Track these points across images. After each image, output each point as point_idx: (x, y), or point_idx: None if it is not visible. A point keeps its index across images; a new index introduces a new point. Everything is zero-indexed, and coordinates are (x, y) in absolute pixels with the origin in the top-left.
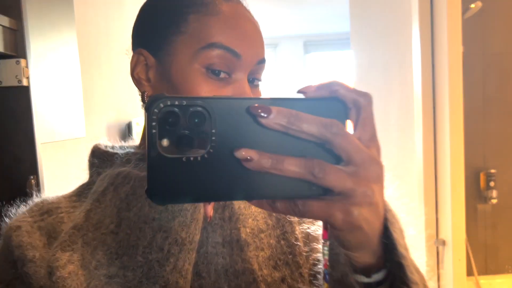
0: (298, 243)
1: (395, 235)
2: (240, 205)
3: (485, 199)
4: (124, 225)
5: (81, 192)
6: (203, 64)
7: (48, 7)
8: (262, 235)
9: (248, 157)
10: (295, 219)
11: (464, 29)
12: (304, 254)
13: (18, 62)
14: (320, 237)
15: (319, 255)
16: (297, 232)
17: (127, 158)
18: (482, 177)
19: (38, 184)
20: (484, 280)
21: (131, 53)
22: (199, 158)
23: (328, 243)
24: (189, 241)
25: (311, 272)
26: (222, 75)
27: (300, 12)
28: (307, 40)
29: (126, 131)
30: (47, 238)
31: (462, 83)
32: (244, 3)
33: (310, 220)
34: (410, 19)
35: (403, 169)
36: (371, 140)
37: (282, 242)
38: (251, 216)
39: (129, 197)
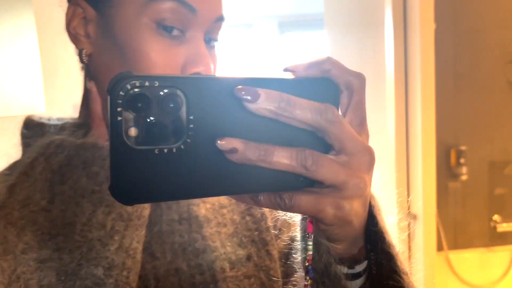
0: (265, 219)
1: (381, 223)
2: None
3: (456, 176)
4: (58, 201)
5: (13, 169)
6: (153, 18)
7: None
8: (224, 211)
9: (232, 148)
10: None
11: (436, 6)
12: (273, 231)
13: None
14: (297, 225)
15: (296, 244)
16: (264, 208)
17: (62, 126)
18: (452, 154)
19: None
20: (453, 255)
21: (65, 4)
22: (174, 150)
23: (312, 237)
24: (136, 216)
25: (282, 252)
26: (175, 32)
27: None
28: (281, 20)
29: None
30: None
31: (434, 60)
32: None
33: None
34: None
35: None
36: (361, 125)
37: (247, 218)
38: None
39: (63, 168)
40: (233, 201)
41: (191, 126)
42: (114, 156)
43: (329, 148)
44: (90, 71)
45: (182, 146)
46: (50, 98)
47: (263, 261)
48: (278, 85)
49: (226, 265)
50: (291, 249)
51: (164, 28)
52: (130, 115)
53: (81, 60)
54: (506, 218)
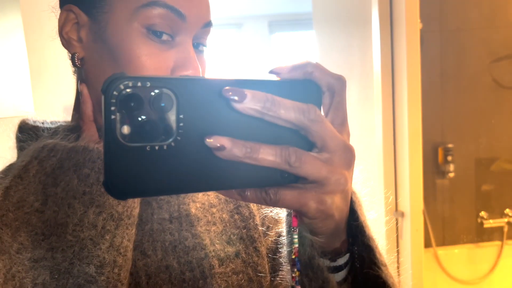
0: (253, 217)
1: (362, 217)
2: None
3: (443, 173)
4: (51, 202)
5: (7, 172)
6: (143, 24)
7: None
8: (214, 210)
9: (220, 145)
10: None
11: (422, 6)
12: (260, 229)
13: None
14: (283, 221)
15: (282, 239)
16: (251, 206)
17: (55, 130)
18: (440, 151)
19: None
20: (442, 251)
21: (58, 10)
22: (165, 147)
23: (297, 230)
24: (126, 216)
25: (269, 248)
26: (165, 37)
27: None
28: (272, 20)
29: None
30: None
31: (420, 60)
32: None
33: None
34: None
35: (363, 145)
36: (342, 125)
37: (236, 216)
38: None
39: (56, 171)
40: (223, 200)
41: (181, 124)
42: (107, 153)
43: (312, 146)
44: (82, 75)
45: (172, 144)
46: (38, 99)
47: (251, 258)
48: (264, 86)
49: (215, 262)
50: (278, 244)
51: (154, 33)
52: (123, 114)
53: (74, 64)
54: (492, 215)
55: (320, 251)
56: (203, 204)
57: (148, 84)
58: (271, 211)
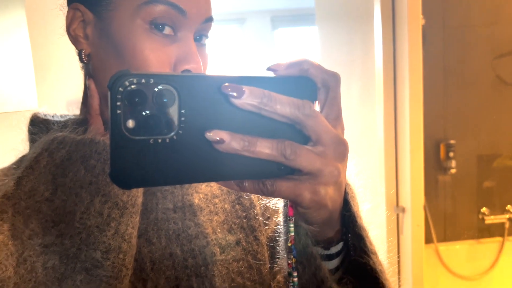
0: (253, 207)
1: (355, 208)
2: None
3: (445, 169)
4: (60, 192)
5: (20, 163)
6: (146, 20)
7: None
8: (216, 200)
9: (219, 139)
10: None
11: (424, 2)
12: (260, 218)
13: None
14: (280, 211)
15: (280, 228)
16: (252, 197)
17: (64, 123)
18: (442, 147)
19: None
20: (443, 247)
21: (65, 8)
22: (167, 140)
23: (293, 219)
24: (131, 204)
25: (269, 237)
26: (167, 30)
27: None
28: (274, 15)
29: None
30: None
31: (423, 56)
32: None
33: None
34: None
35: (365, 141)
36: (337, 119)
37: (237, 206)
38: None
39: (65, 162)
40: (225, 191)
41: (183, 119)
42: (113, 145)
43: (308, 139)
44: (89, 70)
45: (174, 137)
46: (42, 94)
47: (251, 246)
48: (261, 82)
49: (217, 250)
50: (276, 233)
51: (156, 26)
52: (128, 109)
53: (81, 60)
54: (494, 211)
55: (314, 239)
56: (206, 195)
57: (152, 80)
58: (269, 202)
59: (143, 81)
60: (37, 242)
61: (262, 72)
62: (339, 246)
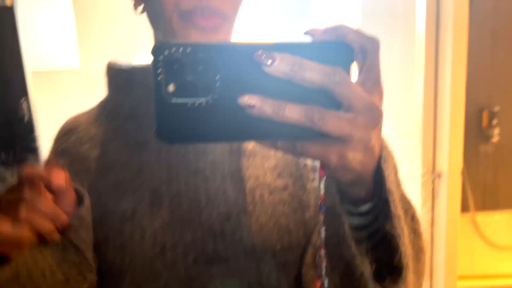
0: (304, 158)
1: (387, 172)
2: None
3: (487, 138)
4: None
5: (100, 109)
6: None
7: None
8: None
9: (251, 104)
10: None
11: None
12: (309, 169)
13: None
14: (317, 170)
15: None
16: None
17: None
18: (485, 115)
19: (29, 108)
20: (481, 216)
21: None
22: (203, 104)
23: (324, 179)
24: None
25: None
26: None
27: None
28: None
29: None
30: (69, 159)
31: (470, 17)
32: None
33: None
34: None
35: (403, 104)
36: (375, 86)
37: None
38: None
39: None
40: None
41: (218, 84)
42: (157, 108)
43: (340, 105)
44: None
45: (210, 101)
46: (83, 54)
47: (297, 191)
48: (295, 49)
49: (265, 192)
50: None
51: None
52: (168, 75)
53: (136, 10)
54: None
55: (343, 198)
56: None
57: (189, 49)
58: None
59: (181, 50)
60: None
61: (298, 38)
62: (368, 205)
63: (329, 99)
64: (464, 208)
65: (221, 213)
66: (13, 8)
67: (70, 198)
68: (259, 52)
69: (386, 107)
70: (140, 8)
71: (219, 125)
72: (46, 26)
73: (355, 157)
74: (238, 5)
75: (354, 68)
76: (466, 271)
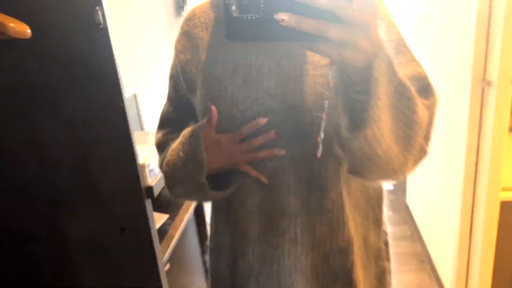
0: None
1: (377, 65)
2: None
3: None
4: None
5: (211, 1)
6: None
7: None
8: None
9: (283, 18)
10: None
11: None
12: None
13: None
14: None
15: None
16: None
17: None
18: None
19: (104, 15)
20: None
21: None
22: (254, 18)
23: (333, 67)
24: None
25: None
26: None
27: None
28: None
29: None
30: (189, 40)
31: None
32: None
33: None
34: None
35: (458, 11)
36: (369, 7)
37: None
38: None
39: None
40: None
41: (262, 6)
42: (225, 20)
43: (341, 21)
44: None
45: (258, 16)
46: None
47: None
48: None
49: (310, 67)
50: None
51: None
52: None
53: None
54: None
55: (350, 81)
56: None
57: None
58: None
59: None
60: None
61: None
62: (362, 86)
63: (333, 17)
64: None
65: (276, 80)
66: None
67: None
68: None
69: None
70: None
71: (265, 31)
72: None
73: (350, 55)
74: None
75: None
76: (510, 183)
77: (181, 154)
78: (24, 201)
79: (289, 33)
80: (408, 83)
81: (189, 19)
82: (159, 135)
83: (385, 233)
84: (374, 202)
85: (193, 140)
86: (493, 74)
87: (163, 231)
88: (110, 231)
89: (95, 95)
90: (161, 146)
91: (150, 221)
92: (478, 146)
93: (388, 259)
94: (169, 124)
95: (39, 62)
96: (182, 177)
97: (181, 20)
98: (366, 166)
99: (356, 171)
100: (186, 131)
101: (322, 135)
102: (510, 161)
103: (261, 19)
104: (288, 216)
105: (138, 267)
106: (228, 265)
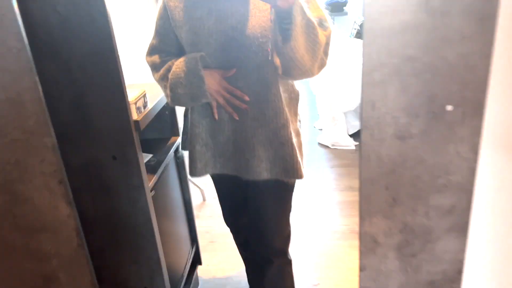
0: None
1: (295, 12)
2: None
3: None
4: None
5: None
6: None
7: None
8: None
9: None
10: None
11: None
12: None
13: None
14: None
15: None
16: None
17: None
18: None
19: None
20: None
21: None
22: None
23: (272, 10)
24: None
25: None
26: None
27: None
28: None
29: None
30: (168, 10)
31: None
32: None
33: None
34: None
35: None
36: None
37: None
38: None
39: None
40: None
41: None
42: None
43: None
44: None
45: None
46: None
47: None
48: None
49: (257, 10)
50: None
51: None
52: None
53: None
54: None
55: (281, 20)
56: None
57: None
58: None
59: None
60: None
61: None
62: (288, 22)
63: None
64: None
65: (237, 19)
66: None
67: None
68: None
69: None
70: None
71: None
72: None
73: (281, 4)
74: None
75: None
76: None
77: (184, 68)
78: None
79: None
80: (313, 19)
81: None
82: (155, 58)
83: (299, 121)
84: (294, 101)
85: (193, 60)
86: None
87: (148, 166)
88: (104, 159)
89: (92, 43)
90: (159, 66)
91: (137, 150)
92: None
93: (298, 135)
94: (156, 51)
95: (45, 16)
96: (184, 79)
97: None
98: (290, 66)
99: (286, 71)
100: (189, 55)
101: (270, 46)
102: None
103: None
104: (248, 103)
105: (128, 190)
106: (204, 144)
